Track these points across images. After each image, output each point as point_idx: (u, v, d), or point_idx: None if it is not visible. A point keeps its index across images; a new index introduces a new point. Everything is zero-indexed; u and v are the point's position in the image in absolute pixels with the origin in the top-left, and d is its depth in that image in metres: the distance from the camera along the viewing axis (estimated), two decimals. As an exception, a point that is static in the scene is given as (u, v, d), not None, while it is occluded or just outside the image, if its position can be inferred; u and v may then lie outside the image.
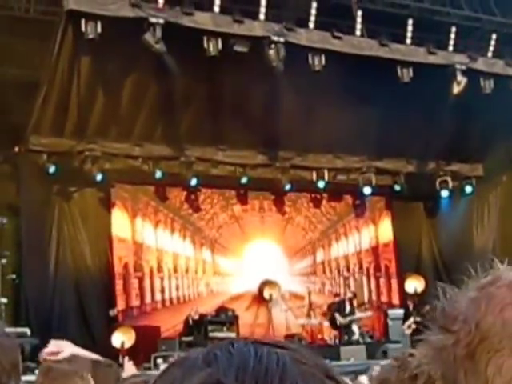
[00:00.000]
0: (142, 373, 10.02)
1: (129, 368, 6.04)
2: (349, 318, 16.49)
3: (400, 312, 17.30)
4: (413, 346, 15.19)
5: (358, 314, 16.69)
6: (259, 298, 18.10)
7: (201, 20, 13.83)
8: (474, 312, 1.15)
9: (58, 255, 16.08)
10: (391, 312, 17.96)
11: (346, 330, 16.47)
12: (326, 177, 18.34)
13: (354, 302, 17.05)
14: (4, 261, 13.93)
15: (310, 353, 0.91)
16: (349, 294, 17.46)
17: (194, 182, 17.17)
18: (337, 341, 16.67)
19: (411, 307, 16.93)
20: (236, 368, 0.84)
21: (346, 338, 16.34)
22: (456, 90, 15.87)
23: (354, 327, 16.42)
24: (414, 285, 17.47)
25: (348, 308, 16.72)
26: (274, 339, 0.92)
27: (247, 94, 15.51)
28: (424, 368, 1.20)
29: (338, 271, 20.09)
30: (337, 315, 16.81)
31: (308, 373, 0.86)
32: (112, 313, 16.36)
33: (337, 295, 18.17)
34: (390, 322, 17.46)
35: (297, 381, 0.84)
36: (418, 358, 1.23)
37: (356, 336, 16.34)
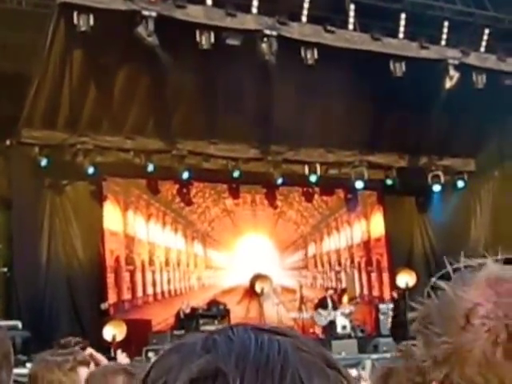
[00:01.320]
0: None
1: (122, 360, 6.05)
2: (329, 318, 16.53)
3: (391, 306, 17.38)
4: (397, 343, 15.27)
5: (339, 311, 16.67)
6: (251, 292, 18.08)
7: (193, 13, 13.80)
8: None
9: (49, 248, 16.03)
10: (382, 306, 17.97)
11: (330, 325, 16.54)
12: (318, 171, 18.33)
13: (344, 299, 17.06)
14: (-5, 254, 13.93)
15: (311, 341, 0.89)
16: (330, 291, 17.49)
17: (185, 175, 17.13)
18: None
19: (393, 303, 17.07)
20: (236, 355, 0.81)
21: (331, 333, 16.38)
22: (448, 84, 15.88)
23: (342, 321, 16.41)
24: (406, 279, 17.51)
25: (330, 305, 16.74)
26: (273, 326, 0.89)
27: (239, 88, 15.48)
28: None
29: (330, 265, 20.07)
30: (316, 317, 16.89)
31: (309, 361, 0.84)
32: (103, 306, 16.35)
33: (328, 289, 18.20)
34: (381, 317, 17.49)
35: (298, 369, 0.82)
36: (433, 360, 1.16)
37: (347, 330, 16.36)
